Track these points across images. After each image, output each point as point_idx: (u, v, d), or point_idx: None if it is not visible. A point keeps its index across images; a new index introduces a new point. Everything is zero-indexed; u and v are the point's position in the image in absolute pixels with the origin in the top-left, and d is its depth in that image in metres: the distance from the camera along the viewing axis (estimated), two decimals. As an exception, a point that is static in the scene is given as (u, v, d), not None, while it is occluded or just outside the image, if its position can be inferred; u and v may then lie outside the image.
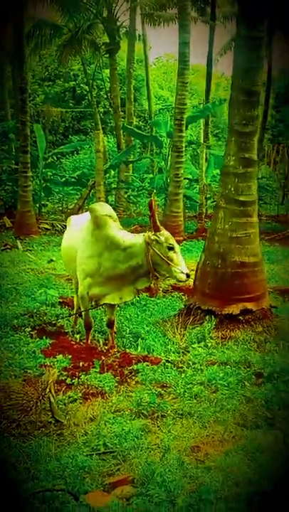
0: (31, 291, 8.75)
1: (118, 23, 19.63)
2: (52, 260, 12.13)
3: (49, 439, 4.48)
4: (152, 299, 8.50)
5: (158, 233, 6.18)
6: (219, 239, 7.25)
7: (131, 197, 20.14)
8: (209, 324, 6.94)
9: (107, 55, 20.54)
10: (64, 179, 19.94)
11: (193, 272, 7.55)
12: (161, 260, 6.15)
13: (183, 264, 6.21)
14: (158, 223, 6.20)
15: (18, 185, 16.59)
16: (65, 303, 8.33)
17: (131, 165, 21.37)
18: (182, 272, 6.16)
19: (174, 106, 14.86)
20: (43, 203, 19.53)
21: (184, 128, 14.35)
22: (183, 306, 7.70)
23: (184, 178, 16.71)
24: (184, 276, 6.20)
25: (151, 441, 4.47)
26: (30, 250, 13.58)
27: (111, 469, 4.12)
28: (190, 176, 18.61)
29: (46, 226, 17.27)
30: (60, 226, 16.72)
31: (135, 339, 6.89)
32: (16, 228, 15.92)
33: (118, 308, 7.62)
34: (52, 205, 20.87)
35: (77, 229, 6.85)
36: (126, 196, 20.23)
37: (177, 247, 6.28)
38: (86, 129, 32.33)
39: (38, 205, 18.70)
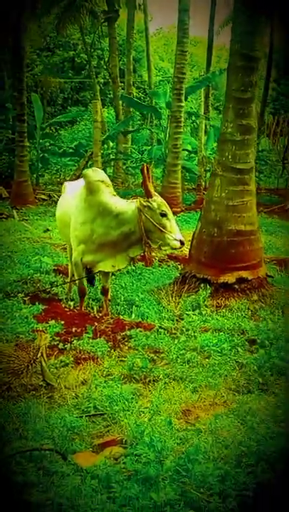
0: (26, 259, 8.68)
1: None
2: (48, 230, 12.04)
3: (39, 401, 4.46)
4: (148, 268, 8.40)
5: (150, 199, 6.07)
6: (215, 207, 7.17)
7: (129, 168, 19.95)
8: (204, 292, 6.89)
9: (106, 24, 20.19)
10: (61, 150, 19.74)
11: (190, 242, 7.49)
12: (153, 227, 6.05)
13: (177, 231, 6.11)
14: (150, 189, 6.08)
15: (14, 155, 16.40)
16: (59, 271, 8.26)
17: (130, 136, 21.13)
18: (176, 239, 6.07)
19: (173, 76, 14.59)
20: (40, 173, 19.34)
21: (182, 98, 14.14)
22: (178, 275, 7.63)
23: (183, 150, 16.55)
24: (177, 244, 6.11)
25: (142, 404, 4.46)
26: (26, 220, 13.49)
27: (100, 431, 4.11)
28: (189, 147, 18.40)
29: (43, 197, 17.14)
30: (56, 197, 16.53)
31: (129, 306, 6.85)
32: (12, 198, 15.79)
33: (113, 277, 7.57)
34: (49, 177, 20.69)
35: (72, 195, 6.75)
36: (124, 168, 20.04)
37: (170, 213, 6.17)
38: (85, 100, 31.91)
39: (35, 175, 18.53)
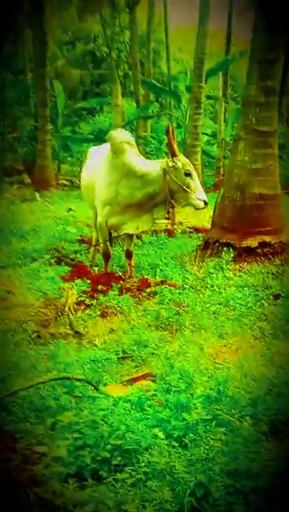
0: (50, 231, 8.76)
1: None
2: (71, 209, 12.11)
3: (68, 345, 4.53)
4: (171, 239, 8.47)
5: (175, 158, 6.10)
6: (238, 171, 7.16)
7: (148, 155, 19.92)
8: (227, 256, 6.88)
9: (127, 11, 20.15)
10: (82, 136, 19.79)
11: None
12: (178, 187, 6.09)
13: (201, 191, 6.13)
14: (175, 148, 6.11)
15: (37, 141, 16.52)
16: (83, 241, 8.33)
17: (149, 125, 21.11)
18: (199, 199, 6.10)
19: (194, 56, 14.56)
20: (61, 160, 19.41)
21: (203, 79, 14.10)
22: (201, 242, 7.64)
23: (203, 133, 16.50)
24: (201, 204, 6.13)
25: (169, 348, 4.50)
26: (49, 202, 13.58)
27: (130, 371, 4.16)
28: (209, 132, 18.33)
29: (65, 182, 17.22)
30: (78, 182, 16.64)
31: (153, 270, 6.89)
32: (35, 182, 15.89)
33: (136, 247, 7.60)
34: (71, 163, 20.74)
35: (97, 159, 6.81)
36: (144, 153, 20.01)
37: (194, 173, 6.20)
38: (105, 93, 31.97)
39: (56, 162, 18.62)
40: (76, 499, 2.42)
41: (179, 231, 9.06)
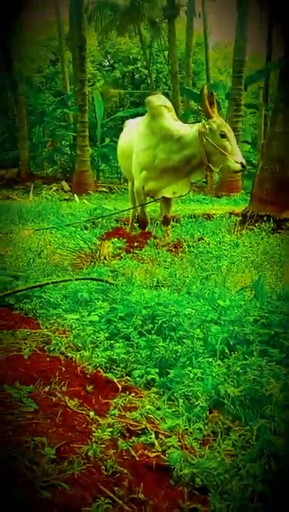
0: (87, 213, 8.80)
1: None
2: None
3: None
4: (209, 221, 8.39)
5: (210, 120, 6.04)
6: (277, 143, 7.11)
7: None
8: (266, 226, 6.77)
9: (166, 29, 20.55)
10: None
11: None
12: (214, 149, 6.02)
13: (238, 153, 6.06)
14: (209, 109, 6.07)
15: (75, 150, 16.79)
16: (120, 220, 8.34)
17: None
18: (236, 162, 6.02)
19: (233, 59, 14.68)
20: (100, 168, 19.70)
21: (242, 81, 14.19)
22: (240, 216, 7.56)
23: (243, 142, 16.50)
24: (238, 166, 6.05)
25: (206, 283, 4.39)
26: (87, 200, 13.70)
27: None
28: (249, 139, 18.33)
29: (104, 189, 17.40)
30: (117, 189, 16.81)
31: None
32: (73, 187, 16.10)
33: (173, 229, 7.53)
34: (109, 174, 21.02)
35: (134, 126, 6.86)
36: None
37: (231, 135, 6.13)
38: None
39: (95, 171, 18.89)
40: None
41: (218, 215, 8.97)
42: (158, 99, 6.45)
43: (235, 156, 6.03)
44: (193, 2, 22.26)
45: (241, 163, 6.03)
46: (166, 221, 6.73)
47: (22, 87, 17.34)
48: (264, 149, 7.35)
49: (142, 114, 18.94)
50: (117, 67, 33.48)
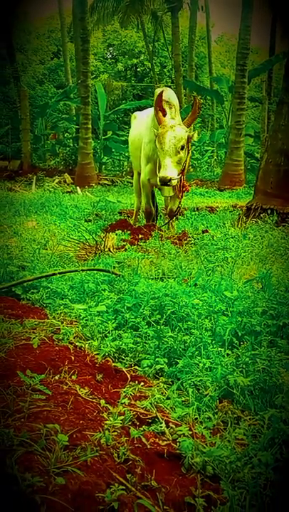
0: (91, 204, 8.79)
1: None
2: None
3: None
4: (212, 214, 8.38)
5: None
6: (282, 136, 7.07)
7: (192, 160, 19.97)
8: (270, 220, 6.77)
9: (169, 24, 20.46)
10: (123, 138, 20.00)
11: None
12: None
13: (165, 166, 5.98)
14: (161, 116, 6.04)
15: (77, 142, 16.71)
16: (124, 212, 8.33)
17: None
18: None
19: (236, 51, 14.57)
20: (102, 161, 19.62)
21: (246, 74, 14.09)
22: (244, 209, 7.54)
23: (246, 135, 16.44)
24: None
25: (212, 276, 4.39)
26: (90, 193, 13.67)
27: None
28: (252, 132, 18.23)
29: (106, 182, 17.33)
30: (119, 182, 16.76)
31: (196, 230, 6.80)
32: (76, 180, 16.02)
33: (177, 222, 7.52)
34: (112, 167, 20.95)
35: (142, 119, 6.86)
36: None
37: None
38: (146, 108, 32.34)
39: (98, 163, 18.82)
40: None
41: (221, 208, 8.97)
42: (164, 94, 6.40)
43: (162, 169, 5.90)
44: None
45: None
46: (171, 213, 6.72)
47: (24, 79, 17.25)
48: (268, 142, 7.31)
49: (144, 108, 18.84)
50: (121, 60, 33.35)
